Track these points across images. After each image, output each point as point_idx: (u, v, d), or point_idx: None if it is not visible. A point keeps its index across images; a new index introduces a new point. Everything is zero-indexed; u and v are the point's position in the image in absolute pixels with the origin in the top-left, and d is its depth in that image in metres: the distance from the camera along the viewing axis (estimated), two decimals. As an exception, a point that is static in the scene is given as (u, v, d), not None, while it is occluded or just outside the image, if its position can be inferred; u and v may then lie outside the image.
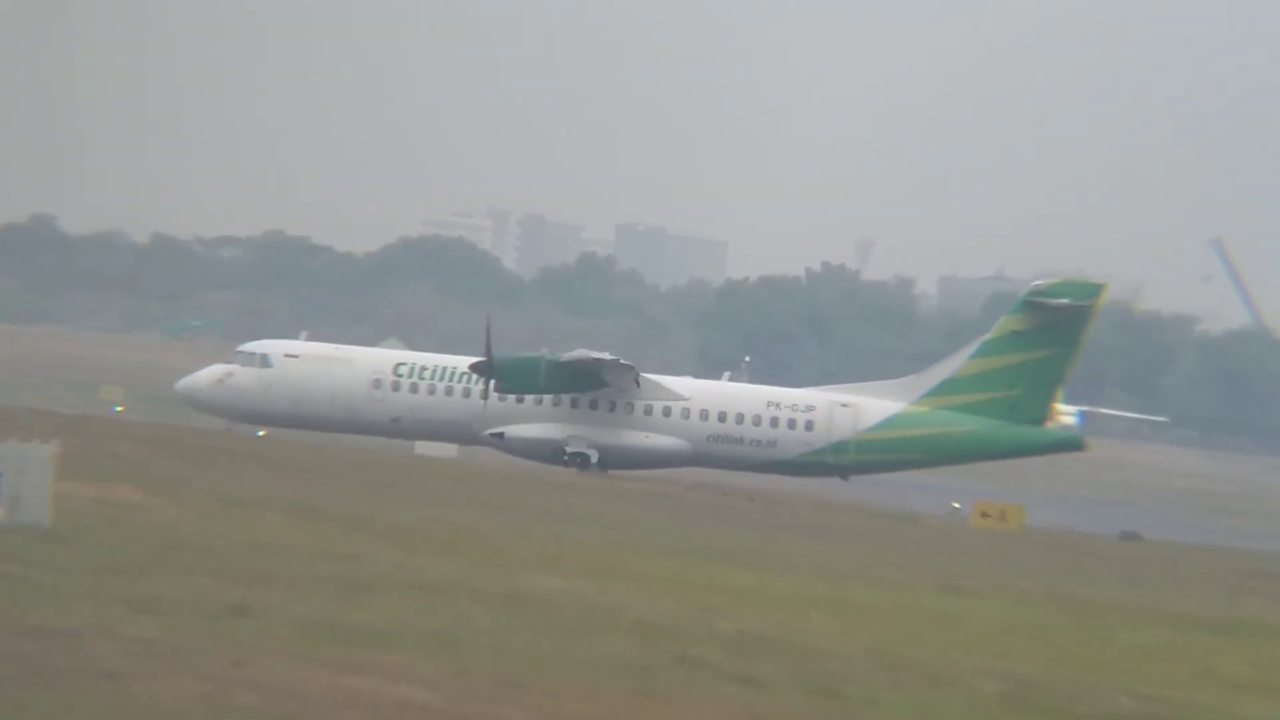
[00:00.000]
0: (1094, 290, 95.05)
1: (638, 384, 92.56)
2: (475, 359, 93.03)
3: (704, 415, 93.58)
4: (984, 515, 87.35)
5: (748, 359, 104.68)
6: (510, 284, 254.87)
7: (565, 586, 43.33)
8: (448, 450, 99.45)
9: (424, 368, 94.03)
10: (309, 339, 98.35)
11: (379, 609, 36.93)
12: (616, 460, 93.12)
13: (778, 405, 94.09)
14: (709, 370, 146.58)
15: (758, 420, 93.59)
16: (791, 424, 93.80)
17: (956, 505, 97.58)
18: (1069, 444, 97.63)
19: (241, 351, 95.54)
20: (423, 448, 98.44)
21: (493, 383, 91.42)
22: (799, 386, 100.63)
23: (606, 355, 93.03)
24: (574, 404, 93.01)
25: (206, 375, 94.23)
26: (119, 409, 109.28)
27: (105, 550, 41.34)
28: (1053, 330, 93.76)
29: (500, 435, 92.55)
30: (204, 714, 25.04)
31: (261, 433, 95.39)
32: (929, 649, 39.63)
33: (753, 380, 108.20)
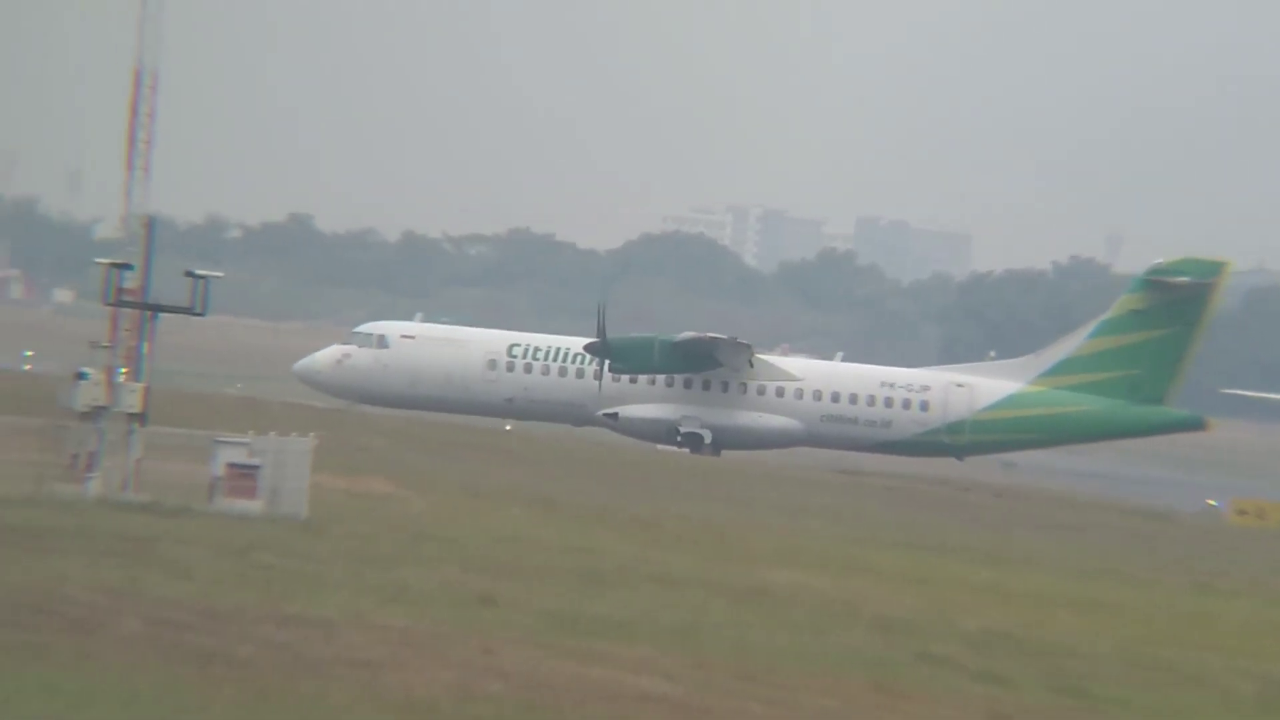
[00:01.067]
0: (1215, 268, 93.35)
1: (751, 364, 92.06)
2: (589, 340, 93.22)
3: (817, 395, 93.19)
4: (1241, 513, 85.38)
5: (992, 354, 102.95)
6: (750, 279, 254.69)
7: (804, 581, 43.41)
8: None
9: (537, 349, 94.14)
10: (423, 320, 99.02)
11: (620, 601, 37.34)
12: (729, 440, 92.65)
13: (892, 385, 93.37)
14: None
15: (871, 400, 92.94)
16: (906, 404, 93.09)
17: (1212, 503, 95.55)
18: (1190, 424, 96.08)
19: (359, 333, 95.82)
20: (663, 444, 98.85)
21: (607, 363, 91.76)
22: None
23: (722, 335, 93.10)
24: (687, 384, 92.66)
25: (325, 356, 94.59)
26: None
27: (357, 541, 42.30)
28: (1173, 309, 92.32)
29: (614, 416, 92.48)
30: (455, 702, 25.57)
31: (508, 427, 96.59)
32: (1181, 649, 39.00)
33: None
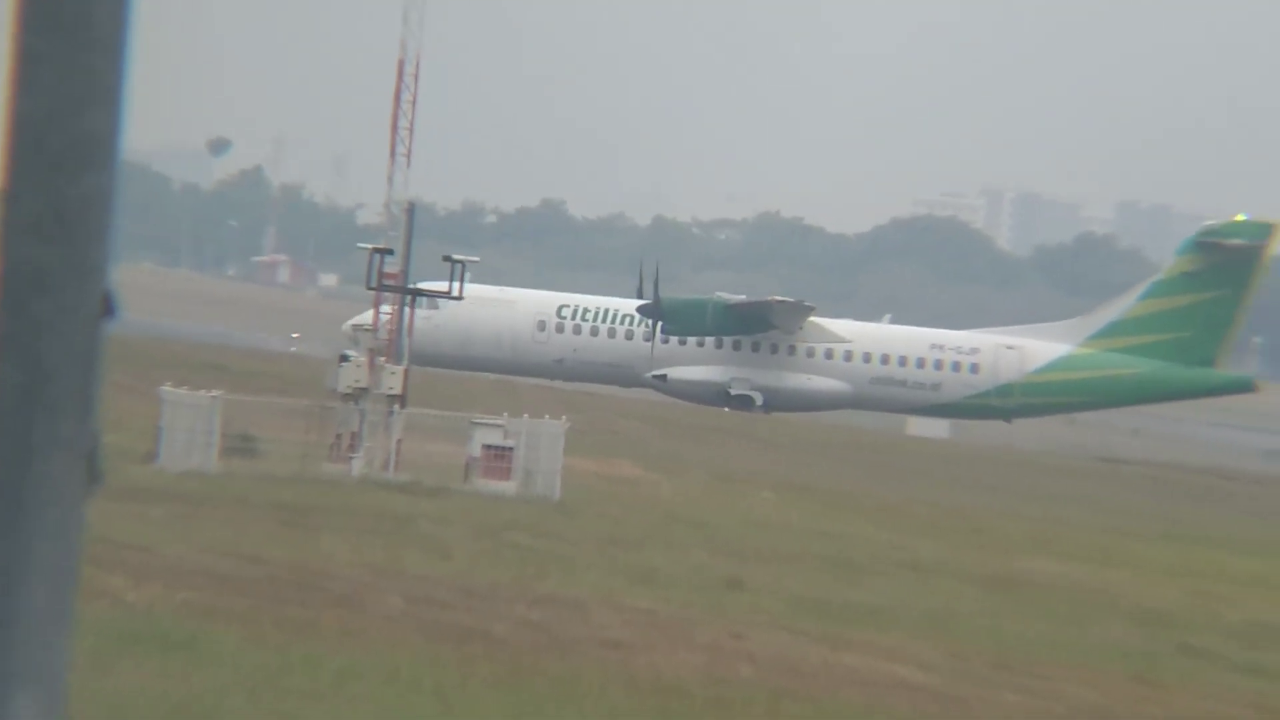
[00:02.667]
0: (1267, 230, 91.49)
1: (802, 326, 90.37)
2: (642, 300, 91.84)
3: (866, 358, 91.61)
4: None
5: (1258, 339, 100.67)
6: (1004, 264, 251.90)
7: (1059, 570, 42.95)
8: (938, 430, 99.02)
9: (587, 310, 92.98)
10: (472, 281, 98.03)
11: (870, 588, 37.28)
12: (779, 402, 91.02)
13: (941, 348, 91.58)
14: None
15: (921, 363, 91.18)
16: (956, 366, 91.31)
17: None
18: (1240, 386, 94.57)
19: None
20: (914, 427, 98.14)
21: (660, 324, 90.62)
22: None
23: (779, 297, 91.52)
24: (736, 346, 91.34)
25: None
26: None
27: (607, 523, 42.76)
28: (1224, 271, 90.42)
29: (663, 378, 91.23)
30: (704, 684, 25.79)
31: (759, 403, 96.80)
32: None
33: (1266, 364, 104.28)
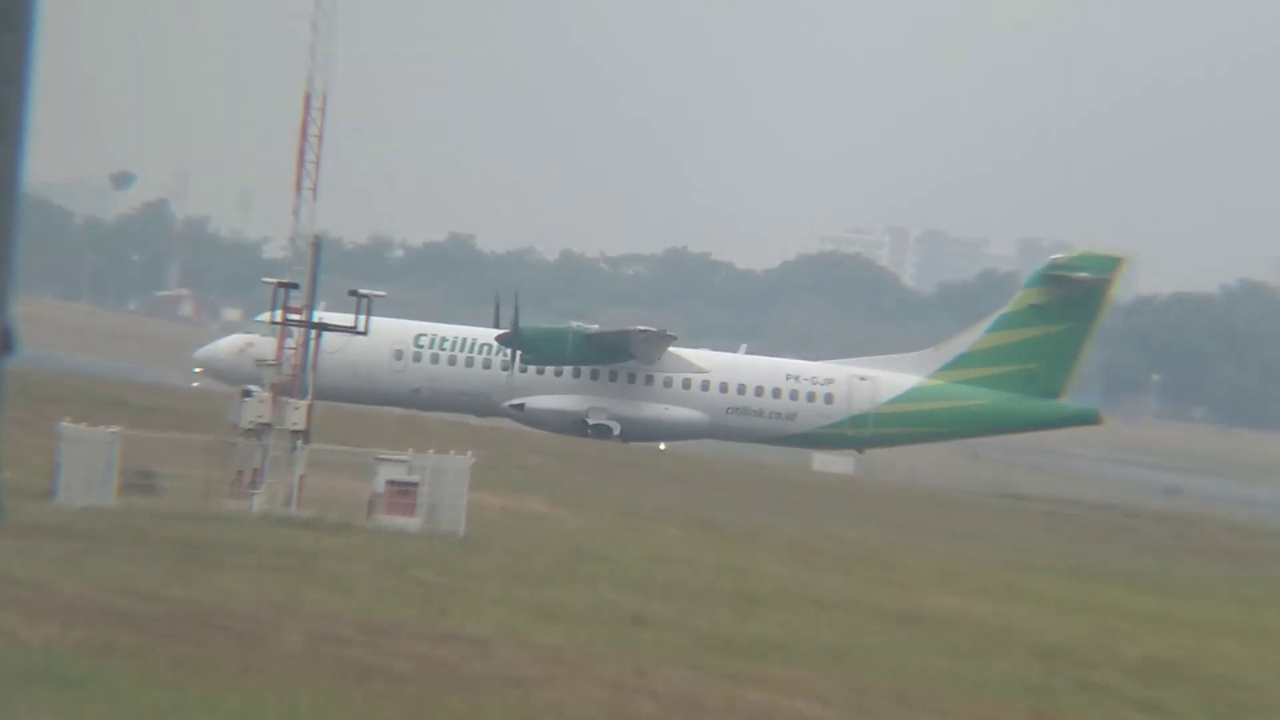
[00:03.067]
0: (1113, 263, 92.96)
1: (661, 357, 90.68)
2: (499, 331, 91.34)
3: (723, 388, 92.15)
4: None
5: (1156, 378, 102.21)
6: (908, 301, 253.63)
7: (962, 605, 43.14)
8: (843, 466, 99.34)
9: (444, 339, 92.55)
10: (327, 309, 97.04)
11: (775, 623, 37.32)
12: (637, 432, 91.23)
13: (796, 378, 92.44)
14: (1114, 391, 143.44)
15: (777, 393, 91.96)
16: (810, 397, 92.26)
17: None
18: (1085, 418, 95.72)
19: (262, 321, 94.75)
20: (819, 463, 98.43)
21: (519, 354, 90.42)
22: (1211, 408, 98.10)
23: (642, 327, 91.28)
24: (594, 375, 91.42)
25: (227, 345, 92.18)
26: (662, 446, 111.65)
27: (513, 559, 42.63)
28: (1071, 304, 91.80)
29: (520, 407, 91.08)
30: (608, 721, 25.72)
31: (662, 446, 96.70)
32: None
33: (1164, 402, 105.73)
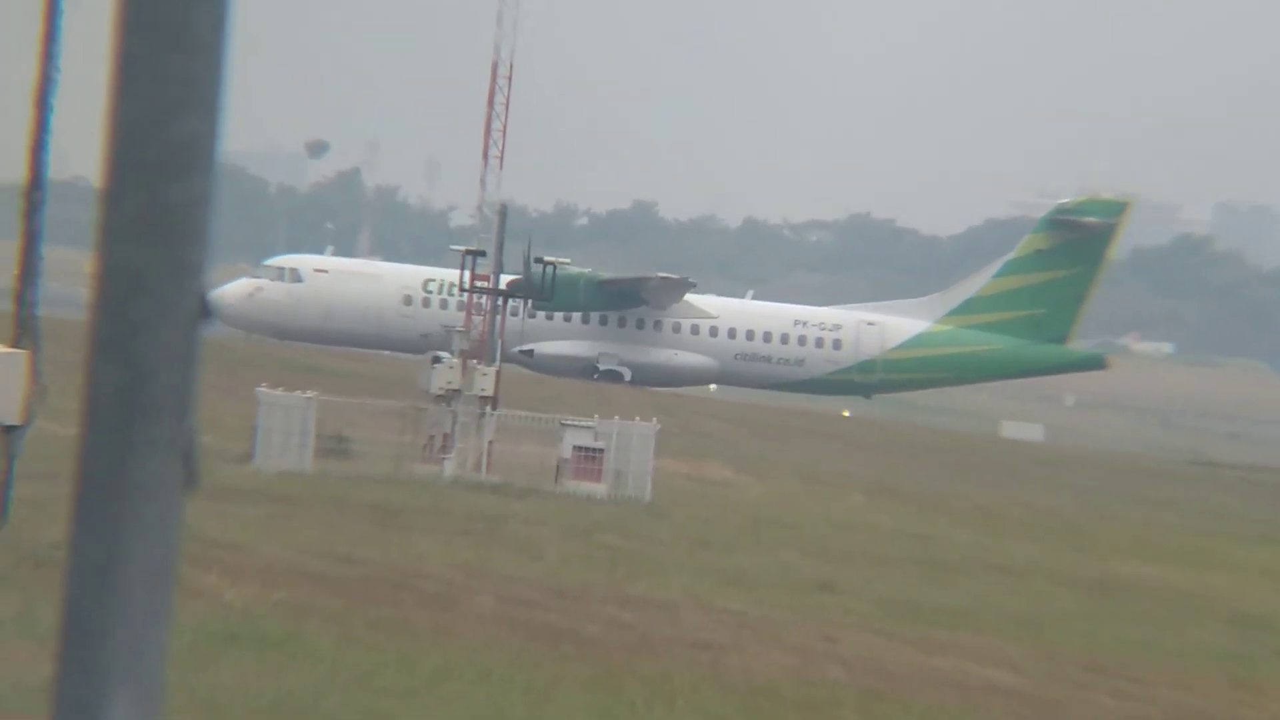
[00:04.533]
0: (1119, 208, 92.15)
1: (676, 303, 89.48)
2: (513, 276, 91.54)
3: (732, 333, 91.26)
4: None
5: None
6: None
7: (1155, 573, 42.63)
8: (1032, 433, 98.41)
9: (453, 284, 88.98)
10: (335, 254, 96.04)
11: (962, 590, 37.11)
12: (646, 378, 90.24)
13: (805, 324, 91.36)
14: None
15: (785, 339, 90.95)
16: (819, 342, 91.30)
17: None
18: (1091, 363, 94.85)
19: (270, 266, 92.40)
20: (1009, 429, 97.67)
21: (531, 301, 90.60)
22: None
23: (662, 274, 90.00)
24: (603, 321, 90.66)
25: (235, 290, 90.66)
26: (712, 388, 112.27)
27: (698, 525, 42.76)
28: (1077, 249, 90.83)
29: (530, 353, 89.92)
30: (795, 686, 25.76)
31: (846, 413, 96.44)
32: None
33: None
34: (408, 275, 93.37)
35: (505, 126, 55.18)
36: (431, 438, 48.13)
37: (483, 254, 53.47)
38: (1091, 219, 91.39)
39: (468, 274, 54.07)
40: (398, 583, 29.57)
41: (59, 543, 23.09)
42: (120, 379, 4.84)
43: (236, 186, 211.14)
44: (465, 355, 49.64)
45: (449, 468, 47.11)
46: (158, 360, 4.85)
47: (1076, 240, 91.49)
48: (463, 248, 53.51)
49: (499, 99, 54.78)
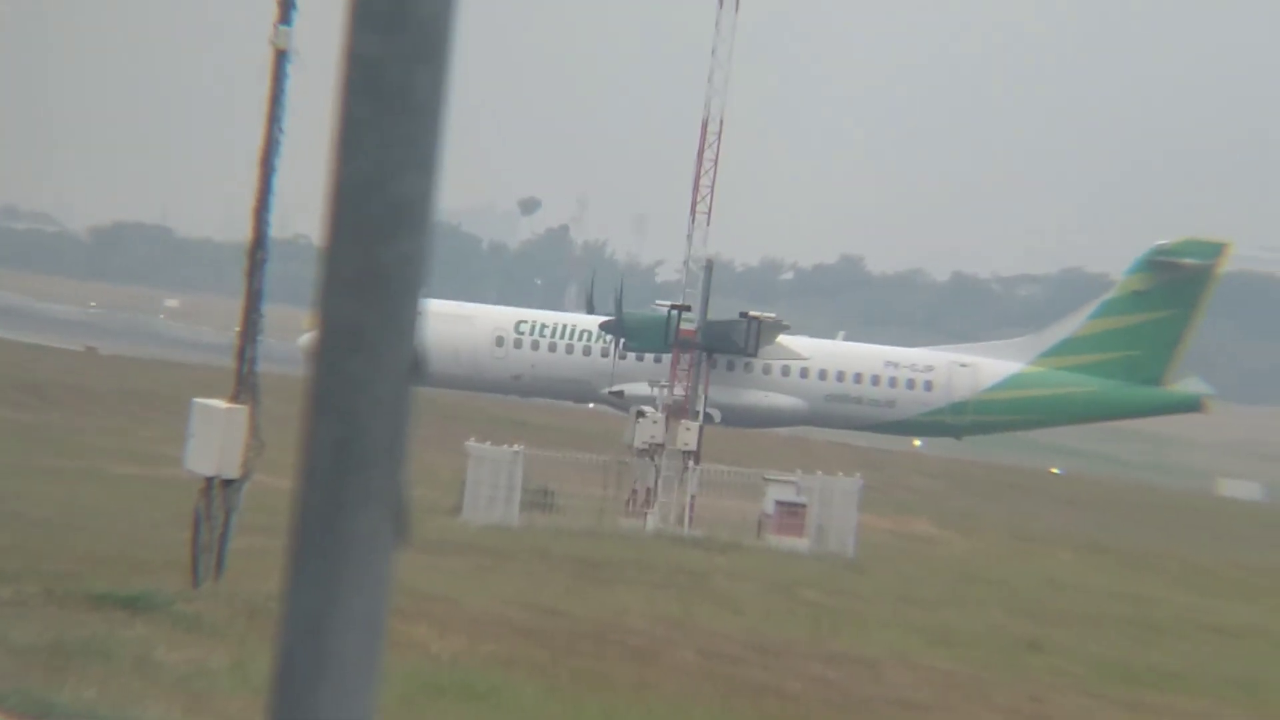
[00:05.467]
0: (1217, 249, 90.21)
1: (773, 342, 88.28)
2: (604, 317, 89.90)
3: (822, 375, 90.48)
4: None
5: None
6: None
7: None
8: (1250, 490, 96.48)
9: (544, 325, 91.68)
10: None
11: (1175, 651, 36.41)
12: (737, 419, 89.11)
13: (896, 365, 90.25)
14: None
15: (876, 380, 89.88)
16: (910, 384, 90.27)
17: None
18: (1188, 405, 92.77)
19: None
20: (1224, 487, 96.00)
21: (621, 341, 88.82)
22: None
23: (755, 313, 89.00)
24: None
25: None
26: (917, 443, 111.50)
27: (902, 581, 42.41)
28: (1174, 290, 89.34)
29: (620, 394, 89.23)
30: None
31: (1055, 470, 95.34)
32: None
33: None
34: (500, 316, 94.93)
35: (714, 182, 55.37)
36: (634, 491, 48.31)
37: (688, 309, 53.61)
38: (1190, 260, 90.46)
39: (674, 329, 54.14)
40: (601, 636, 29.66)
41: (274, 594, 23.48)
42: (336, 433, 4.93)
43: (450, 244, 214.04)
44: (669, 410, 49.80)
45: (652, 521, 47.21)
46: (373, 415, 4.93)
47: (1174, 281, 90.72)
48: (669, 303, 53.70)
49: (708, 155, 55.01)
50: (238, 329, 27.88)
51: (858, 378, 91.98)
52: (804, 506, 46.99)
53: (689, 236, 54.49)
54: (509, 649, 27.06)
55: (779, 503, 47.12)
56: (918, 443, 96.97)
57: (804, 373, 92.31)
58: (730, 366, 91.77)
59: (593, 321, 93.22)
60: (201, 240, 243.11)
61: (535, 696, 24.17)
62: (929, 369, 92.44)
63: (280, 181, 27.28)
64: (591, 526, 45.69)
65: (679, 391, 53.16)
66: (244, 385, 27.61)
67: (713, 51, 54.51)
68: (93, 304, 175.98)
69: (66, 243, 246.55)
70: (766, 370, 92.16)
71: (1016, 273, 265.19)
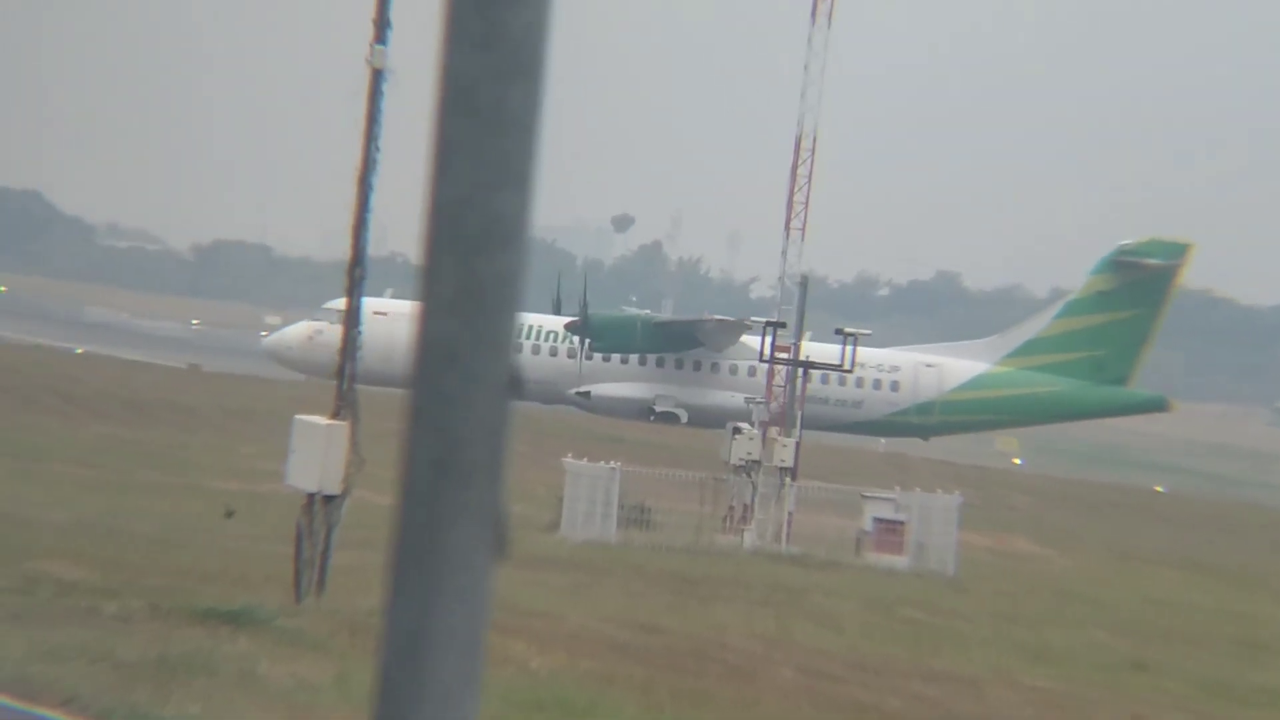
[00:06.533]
0: (1181, 250, 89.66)
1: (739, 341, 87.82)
2: (570, 318, 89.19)
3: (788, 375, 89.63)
4: None
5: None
6: None
7: None
8: None
9: (532, 327, 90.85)
10: (393, 296, 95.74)
11: (1280, 671, 36.02)
12: (703, 420, 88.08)
13: (862, 365, 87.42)
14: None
15: (843, 380, 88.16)
16: (877, 384, 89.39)
17: None
18: (1154, 405, 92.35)
19: (330, 309, 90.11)
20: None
21: (588, 341, 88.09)
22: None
23: (718, 316, 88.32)
24: (660, 363, 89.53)
25: (295, 333, 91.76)
26: (1017, 461, 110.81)
27: (1003, 600, 42.14)
28: (1139, 290, 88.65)
29: (586, 394, 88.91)
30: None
31: (1159, 489, 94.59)
32: None
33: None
34: None
35: (808, 198, 55.34)
36: (731, 508, 48.27)
37: (783, 325, 53.56)
38: (1154, 260, 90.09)
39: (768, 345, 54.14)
40: (700, 653, 29.63)
41: (375, 609, 23.61)
42: (435, 449, 4.96)
43: (545, 260, 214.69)
44: (765, 426, 49.73)
45: (749, 538, 47.15)
46: (471, 431, 4.96)
47: (1138, 281, 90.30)
48: (763, 319, 53.67)
49: (802, 171, 54.97)
50: (338, 346, 28.08)
51: (824, 378, 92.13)
52: (903, 524, 46.80)
53: (783, 252, 54.51)
54: (608, 665, 27.07)
55: (878, 520, 46.95)
56: (1018, 461, 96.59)
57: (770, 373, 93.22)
58: (697, 367, 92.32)
59: (559, 322, 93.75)
60: (300, 258, 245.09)
61: (634, 714, 24.18)
62: (895, 369, 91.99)
63: (377, 199, 27.48)
64: (689, 543, 45.68)
65: (774, 408, 53.07)
66: (344, 401, 27.80)
67: (805, 67, 54.55)
68: (195, 321, 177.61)
69: (168, 260, 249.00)
70: (733, 370, 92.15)
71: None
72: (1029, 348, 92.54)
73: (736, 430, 49.52)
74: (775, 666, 29.28)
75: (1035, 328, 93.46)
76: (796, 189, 54.52)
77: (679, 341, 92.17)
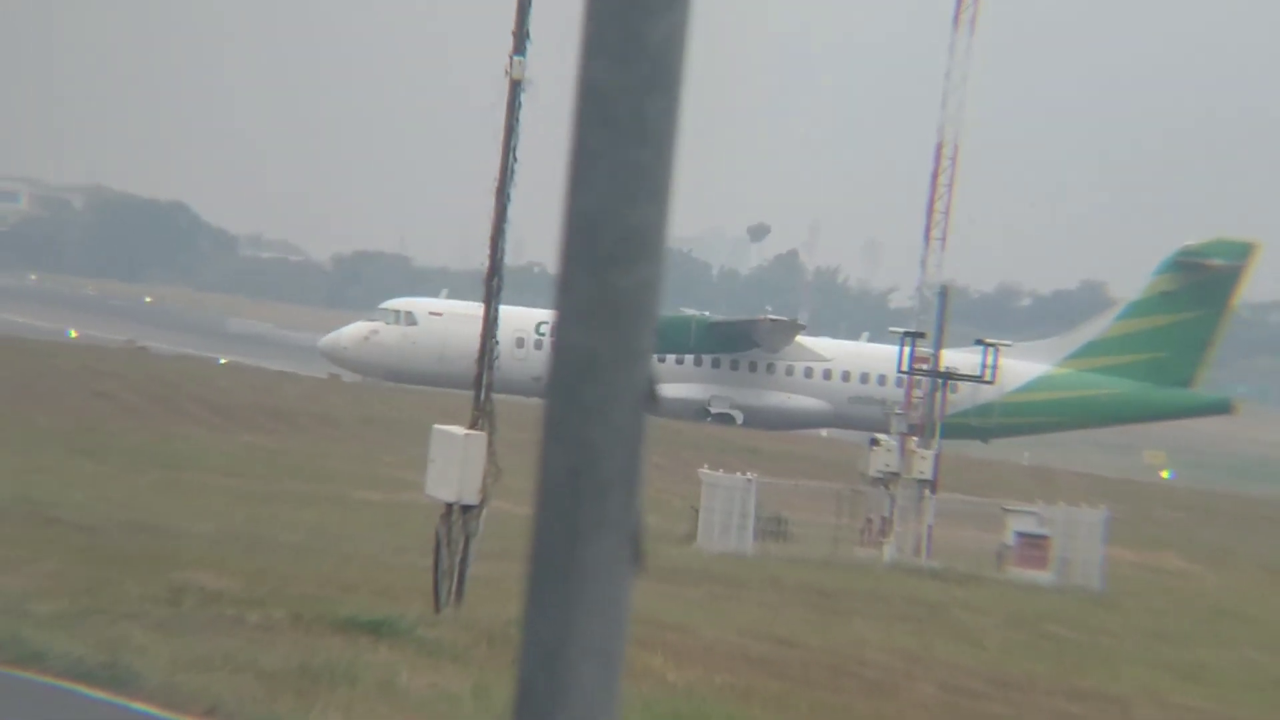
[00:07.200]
0: (1245, 250, 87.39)
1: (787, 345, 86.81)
2: None
3: (845, 376, 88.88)
4: None
5: None
6: None
7: None
8: None
9: None
10: (449, 296, 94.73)
11: None
12: (759, 420, 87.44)
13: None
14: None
15: (900, 382, 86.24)
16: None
17: None
18: (1217, 407, 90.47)
19: (385, 309, 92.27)
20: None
21: None
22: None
23: (772, 316, 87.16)
24: (715, 364, 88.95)
25: (350, 333, 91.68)
26: (1166, 474, 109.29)
27: (1151, 616, 41.58)
28: (1202, 291, 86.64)
29: None
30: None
31: None
32: None
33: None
34: (520, 318, 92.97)
35: (949, 207, 54.99)
36: (869, 521, 48.00)
37: (922, 335, 53.22)
38: (1217, 261, 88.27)
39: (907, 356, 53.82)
40: (838, 668, 29.46)
41: (513, 619, 23.68)
42: (571, 460, 4.94)
43: (681, 270, 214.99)
44: (905, 436, 49.44)
45: (888, 552, 46.87)
46: (607, 442, 4.93)
47: (1202, 282, 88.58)
48: (902, 330, 53.37)
49: (942, 179, 54.63)
50: (476, 357, 28.22)
51: (881, 379, 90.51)
52: (1048, 538, 46.32)
53: (923, 262, 54.16)
54: (745, 679, 26.98)
55: (1020, 534, 46.50)
56: (1167, 474, 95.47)
57: (826, 374, 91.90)
58: (753, 368, 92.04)
59: None
60: (438, 269, 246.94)
61: (772, 727, 24.06)
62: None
63: (514, 210, 27.61)
64: (826, 556, 45.47)
65: (914, 419, 52.73)
66: (482, 411, 27.93)
67: (947, 75, 54.18)
68: None
69: (310, 271, 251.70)
70: (789, 371, 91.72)
71: (1269, 298, 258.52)
72: (1090, 349, 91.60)
73: (874, 441, 49.25)
74: (915, 682, 29.05)
75: (1098, 329, 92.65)
76: (937, 197, 54.16)
77: (734, 342, 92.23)
